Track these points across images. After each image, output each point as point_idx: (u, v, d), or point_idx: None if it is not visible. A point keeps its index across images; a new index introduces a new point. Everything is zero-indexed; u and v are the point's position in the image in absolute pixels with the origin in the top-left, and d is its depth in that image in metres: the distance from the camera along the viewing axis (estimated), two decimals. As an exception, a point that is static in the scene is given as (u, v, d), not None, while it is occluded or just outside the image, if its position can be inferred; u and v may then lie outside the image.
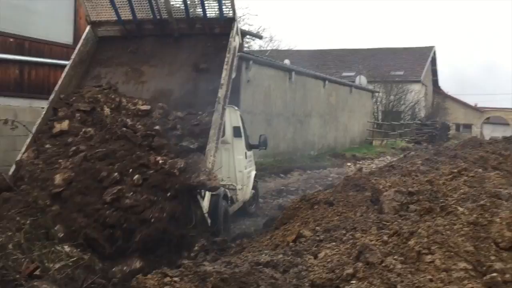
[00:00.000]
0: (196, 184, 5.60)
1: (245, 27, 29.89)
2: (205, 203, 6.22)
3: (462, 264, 3.02)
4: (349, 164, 20.52)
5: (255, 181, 10.46)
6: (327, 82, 24.40)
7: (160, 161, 5.85)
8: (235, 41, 7.44)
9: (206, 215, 6.12)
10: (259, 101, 18.42)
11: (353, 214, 4.79)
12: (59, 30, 10.54)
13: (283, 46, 35.65)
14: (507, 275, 2.95)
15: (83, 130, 6.38)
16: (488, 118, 50.07)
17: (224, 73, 6.88)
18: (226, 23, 7.49)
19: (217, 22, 7.62)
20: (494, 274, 2.95)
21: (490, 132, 52.58)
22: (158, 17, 7.70)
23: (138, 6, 7.69)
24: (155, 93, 7.38)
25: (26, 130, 6.50)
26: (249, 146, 9.86)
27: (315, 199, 5.31)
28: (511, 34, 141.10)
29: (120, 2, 7.73)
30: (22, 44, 9.69)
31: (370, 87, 33.67)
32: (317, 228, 4.59)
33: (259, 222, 9.09)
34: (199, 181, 5.58)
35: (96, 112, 6.70)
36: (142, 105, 6.97)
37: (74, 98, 6.97)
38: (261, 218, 9.67)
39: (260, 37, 26.75)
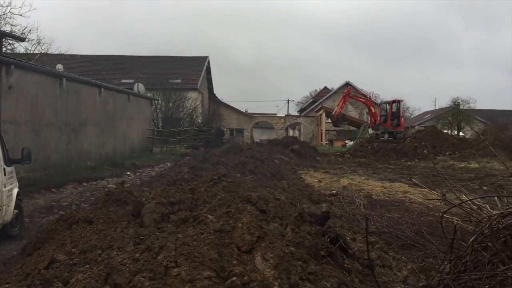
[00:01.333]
0: None
1: (7, 28, 26.75)
2: None
3: (206, 273, 3.18)
4: (128, 173, 20.15)
5: (18, 199, 9.43)
6: (103, 89, 23.54)
7: None
8: None
9: None
10: (25, 110, 16.66)
11: (113, 231, 4.64)
12: None
13: (54, 50, 32.92)
14: (246, 277, 3.22)
15: None
16: (257, 123, 55.52)
17: None
18: None
19: None
20: (234, 278, 3.18)
21: (259, 135, 58.50)
22: None
23: None
24: None
25: None
26: (10, 161, 8.87)
27: (73, 218, 4.98)
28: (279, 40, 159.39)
29: None
30: None
31: (149, 94, 33.80)
32: (73, 250, 4.30)
33: (22, 246, 8.20)
34: None
35: None
36: None
37: None
38: (26, 240, 8.74)
39: (23, 39, 24.21)
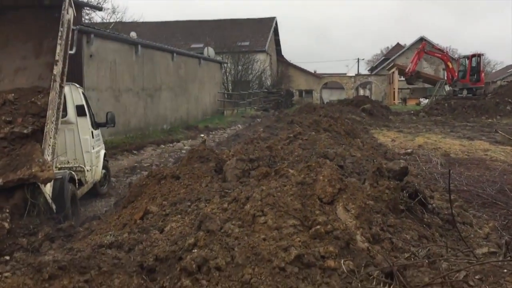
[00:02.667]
0: (27, 178, 5.25)
1: (84, -2, 27.91)
2: (48, 189, 5.88)
3: (291, 221, 3.35)
4: (202, 135, 20.84)
5: (106, 160, 10.12)
6: (175, 54, 24.18)
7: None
8: (68, 14, 6.87)
9: (50, 201, 5.78)
10: (105, 77, 17.58)
11: (199, 186, 4.94)
12: None
13: (128, 18, 34.12)
14: (329, 226, 3.35)
15: None
16: (326, 84, 54.68)
17: (59, 48, 6.39)
18: None
19: None
20: (318, 227, 3.33)
21: (328, 96, 57.71)
22: None
23: None
24: None
25: None
26: (96, 125, 9.44)
27: (161, 174, 5.34)
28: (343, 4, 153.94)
29: None
30: None
31: (218, 58, 34.24)
32: (164, 202, 4.65)
33: (112, 202, 8.88)
34: (30, 174, 5.25)
35: None
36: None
37: None
38: (114, 198, 9.45)
39: (100, 9, 25.24)
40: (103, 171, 9.68)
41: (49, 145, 5.82)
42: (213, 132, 22.05)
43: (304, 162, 4.88)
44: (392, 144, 14.24)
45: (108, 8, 32.43)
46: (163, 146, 17.49)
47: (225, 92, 34.50)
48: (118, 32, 24.52)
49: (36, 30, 7.06)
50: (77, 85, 9.02)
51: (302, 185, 3.75)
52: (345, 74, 61.31)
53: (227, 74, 37.53)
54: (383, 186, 4.59)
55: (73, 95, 8.45)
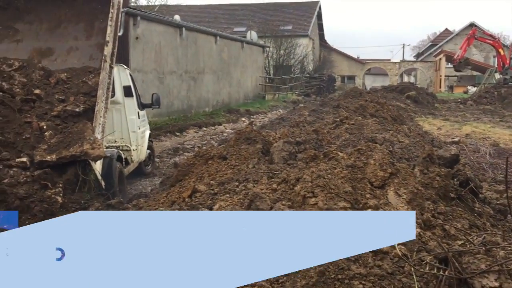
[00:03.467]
0: (79, 155, 5.44)
1: (130, -19, 28.36)
2: (98, 166, 6.07)
3: (342, 203, 3.33)
4: (243, 119, 20.93)
5: (150, 140, 10.31)
6: (218, 37, 24.26)
7: (44, 127, 5.58)
8: None
9: (100, 178, 5.98)
10: (150, 59, 17.87)
11: (246, 166, 4.98)
12: None
13: (172, 1, 34.49)
14: (380, 210, 3.32)
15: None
16: (369, 69, 53.59)
17: (109, 30, 6.54)
18: None
19: None
20: (369, 210, 3.31)
21: (371, 83, 56.57)
22: None
23: None
24: (33, 53, 6.93)
25: None
26: (142, 106, 9.60)
27: (209, 155, 5.41)
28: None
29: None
30: None
31: (261, 42, 34.12)
32: (211, 182, 4.71)
33: (156, 182, 9.06)
34: (82, 151, 5.44)
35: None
36: (19, 66, 6.46)
37: None
38: (158, 177, 9.65)
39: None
40: (148, 151, 9.86)
41: (99, 123, 5.99)
42: (254, 116, 22.09)
43: (352, 146, 4.83)
44: (438, 132, 13.86)
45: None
46: (205, 128, 17.69)
47: (267, 76, 34.40)
48: (163, 15, 24.78)
49: (87, 11, 7.25)
50: (125, 66, 9.19)
51: (353, 168, 3.72)
52: (390, 60, 59.84)
53: (269, 58, 37.36)
54: (434, 173, 4.49)
55: (121, 76, 8.61)
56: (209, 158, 5.34)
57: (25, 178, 5.39)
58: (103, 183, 6.02)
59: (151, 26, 17.95)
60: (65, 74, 6.72)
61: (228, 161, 5.22)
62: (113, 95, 7.93)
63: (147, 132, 9.93)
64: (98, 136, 5.99)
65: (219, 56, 24.60)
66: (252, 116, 21.92)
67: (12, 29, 7.18)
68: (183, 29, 20.28)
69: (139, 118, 9.15)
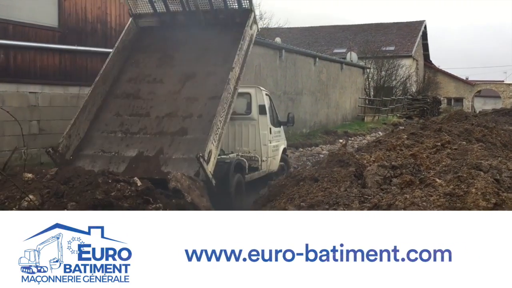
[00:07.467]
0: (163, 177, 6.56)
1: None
2: (210, 167, 6.72)
3: (437, 234, 3.10)
4: (341, 140, 20.58)
5: (285, 154, 11.26)
6: (317, 59, 24.31)
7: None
8: (251, 29, 8.52)
9: (210, 175, 6.64)
10: (250, 80, 18.33)
11: (337, 189, 4.87)
12: (43, 13, 10.41)
13: (273, 24, 35.30)
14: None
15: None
16: (479, 91, 50.19)
17: (236, 58, 7.71)
18: (245, 13, 8.50)
19: (237, 13, 8.65)
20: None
21: (481, 105, 52.83)
22: (187, 9, 8.91)
23: (170, 0, 8.99)
24: (181, 76, 8.36)
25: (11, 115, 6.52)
26: (278, 123, 10.52)
27: (300, 176, 5.39)
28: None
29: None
30: (6, 27, 9.58)
31: (361, 63, 33.58)
32: (302, 204, 4.67)
33: (255, 199, 9.30)
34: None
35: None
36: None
37: None
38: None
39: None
40: (281, 163, 10.66)
41: (216, 134, 6.92)
42: (352, 138, 21.68)
43: (453, 173, 4.51)
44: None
45: (256, 15, 33.83)
46: (302, 149, 17.69)
47: (367, 98, 33.68)
48: (264, 37, 25.45)
49: (227, 42, 8.51)
50: (262, 88, 10.28)
51: (451, 196, 3.47)
52: (503, 81, 55.62)
53: (369, 79, 36.57)
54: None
55: (257, 96, 9.75)
56: (301, 180, 5.31)
57: (130, 193, 5.81)
58: (213, 181, 6.68)
59: (252, 48, 18.46)
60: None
61: (319, 183, 5.15)
62: (249, 112, 9.62)
63: (282, 147, 10.78)
64: (214, 144, 6.82)
65: (317, 77, 24.61)
66: (350, 138, 21.53)
67: (170, 57, 8.77)
68: (283, 51, 20.62)
69: (270, 133, 10.01)
